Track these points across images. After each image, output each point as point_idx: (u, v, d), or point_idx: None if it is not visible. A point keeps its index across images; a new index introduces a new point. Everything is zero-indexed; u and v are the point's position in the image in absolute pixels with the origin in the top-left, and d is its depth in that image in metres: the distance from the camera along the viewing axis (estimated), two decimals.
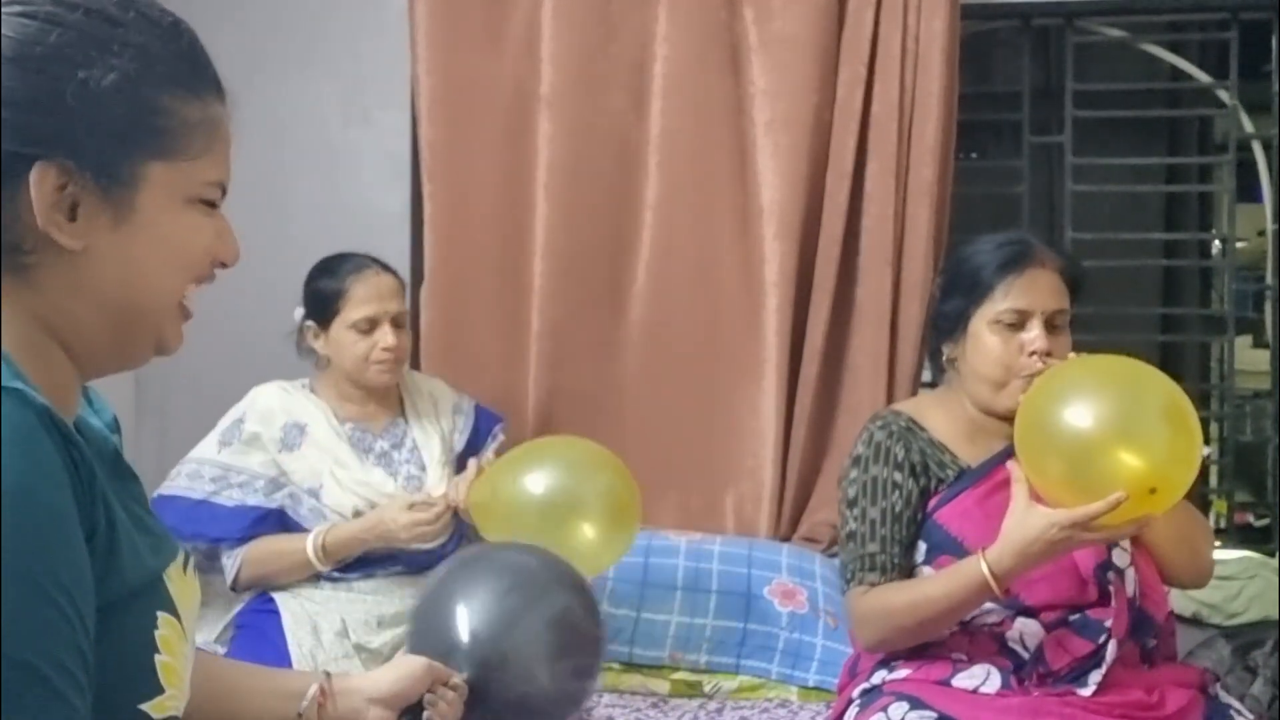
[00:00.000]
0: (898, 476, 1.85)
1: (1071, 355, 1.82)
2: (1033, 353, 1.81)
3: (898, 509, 1.84)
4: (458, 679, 1.21)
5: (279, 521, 2.24)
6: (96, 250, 0.88)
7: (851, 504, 1.87)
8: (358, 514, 2.22)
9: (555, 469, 2.16)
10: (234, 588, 2.24)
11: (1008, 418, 1.80)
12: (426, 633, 1.31)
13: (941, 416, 1.92)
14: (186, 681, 0.94)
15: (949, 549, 1.82)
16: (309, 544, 2.18)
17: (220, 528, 2.21)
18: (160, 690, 0.89)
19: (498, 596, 1.27)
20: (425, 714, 1.18)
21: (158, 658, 0.88)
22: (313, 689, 1.16)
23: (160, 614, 0.90)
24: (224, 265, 0.97)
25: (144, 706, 0.88)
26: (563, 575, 1.36)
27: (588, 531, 2.11)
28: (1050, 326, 1.83)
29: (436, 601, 1.31)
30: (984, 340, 1.85)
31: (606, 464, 2.20)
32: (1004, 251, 1.88)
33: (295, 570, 2.21)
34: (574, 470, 2.17)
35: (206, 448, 2.27)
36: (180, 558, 0.97)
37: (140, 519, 0.94)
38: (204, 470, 2.24)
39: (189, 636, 0.94)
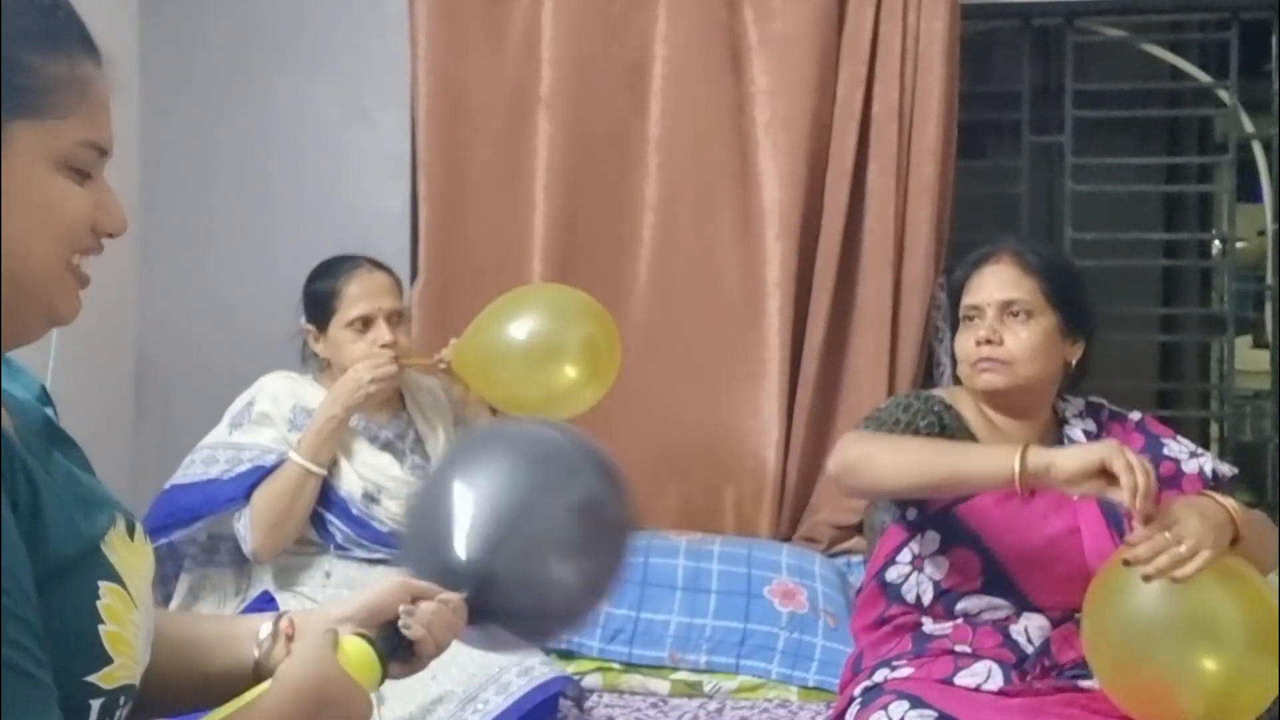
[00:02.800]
0: (921, 424, 1.89)
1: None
2: (978, 341, 1.92)
3: (918, 429, 1.87)
4: (448, 595, 1.09)
5: None
6: None
7: (879, 410, 1.93)
8: (366, 496, 2.24)
9: (537, 316, 2.26)
10: (256, 558, 2.22)
11: (996, 406, 1.93)
12: (419, 540, 1.16)
13: (968, 411, 1.97)
14: (139, 649, 0.92)
15: (967, 542, 1.83)
16: (294, 459, 2.18)
17: (230, 489, 2.20)
18: (108, 660, 0.87)
19: (508, 480, 1.10)
20: (400, 623, 1.06)
21: (103, 628, 0.87)
22: (266, 626, 1.10)
23: (102, 583, 0.88)
24: (110, 235, 0.92)
25: (91, 678, 0.86)
26: (589, 455, 1.17)
27: (570, 373, 2.24)
28: (1009, 315, 1.91)
29: (432, 496, 1.13)
30: (959, 335, 1.99)
31: (585, 309, 2.30)
32: (975, 255, 2.02)
33: (302, 494, 2.18)
34: (555, 316, 2.28)
35: (218, 433, 2.29)
36: (122, 524, 0.94)
37: (77, 486, 0.93)
38: (218, 454, 2.25)
39: (139, 605, 0.92)
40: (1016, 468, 1.61)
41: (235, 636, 1.11)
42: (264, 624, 1.11)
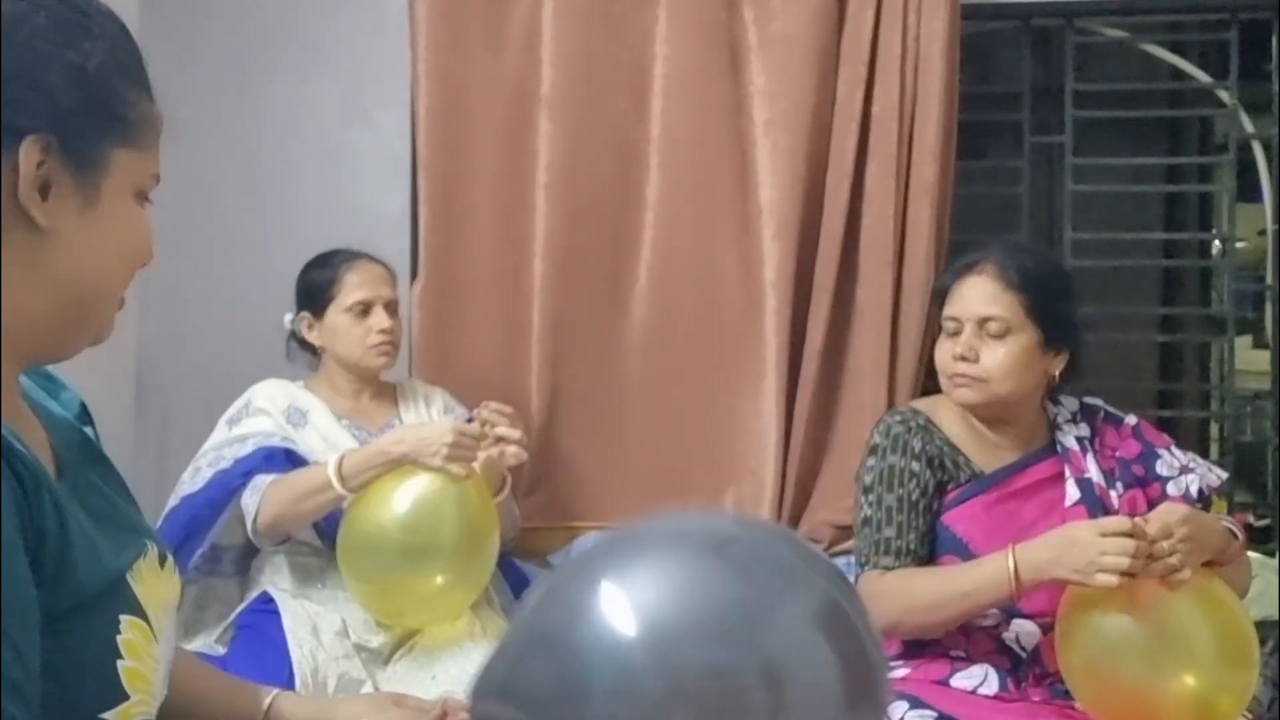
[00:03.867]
0: (915, 466, 1.88)
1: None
2: (957, 357, 1.90)
3: (914, 497, 1.86)
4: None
5: (287, 458, 2.21)
6: (60, 233, 0.87)
7: (867, 490, 1.89)
8: None
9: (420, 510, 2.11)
10: (255, 533, 2.19)
11: (976, 416, 1.93)
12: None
13: (952, 418, 1.96)
14: (157, 685, 0.91)
15: (954, 550, 1.83)
16: (329, 468, 2.13)
17: (242, 467, 2.20)
18: (125, 697, 0.86)
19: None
20: None
21: (121, 663, 0.85)
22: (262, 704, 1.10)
23: (124, 618, 0.87)
24: (143, 264, 0.97)
25: (107, 715, 0.85)
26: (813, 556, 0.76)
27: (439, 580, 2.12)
28: (986, 331, 1.89)
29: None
30: (939, 344, 1.97)
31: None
32: (961, 262, 2.00)
33: (316, 500, 2.15)
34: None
35: (218, 434, 2.29)
36: (153, 553, 0.93)
37: (110, 507, 0.92)
38: (224, 452, 2.25)
39: (159, 638, 0.91)
40: (1012, 578, 1.69)
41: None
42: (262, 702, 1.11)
